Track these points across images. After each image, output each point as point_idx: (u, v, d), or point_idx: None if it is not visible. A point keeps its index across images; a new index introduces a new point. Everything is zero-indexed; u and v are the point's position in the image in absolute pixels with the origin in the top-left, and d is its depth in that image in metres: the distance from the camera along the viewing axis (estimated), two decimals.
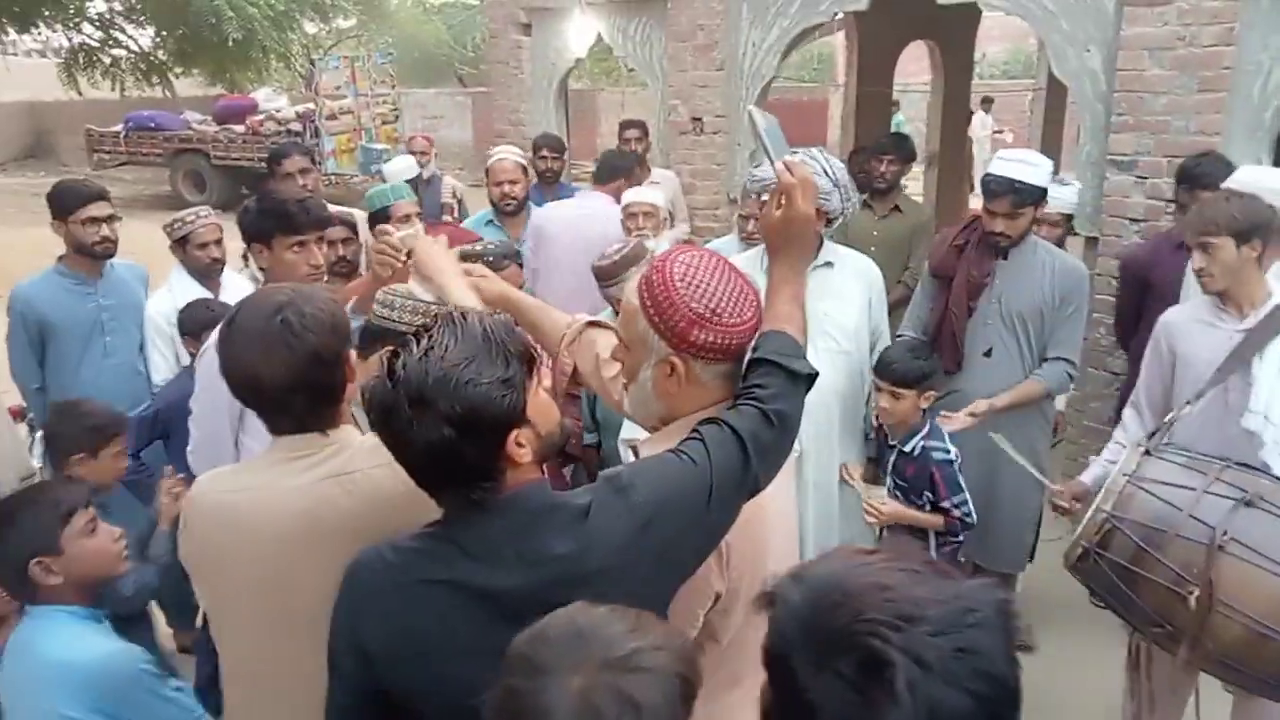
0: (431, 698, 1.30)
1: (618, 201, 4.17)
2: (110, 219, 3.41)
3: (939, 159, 9.20)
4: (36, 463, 3.46)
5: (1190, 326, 2.69)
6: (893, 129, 9.43)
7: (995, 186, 3.01)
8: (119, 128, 15.51)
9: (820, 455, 2.86)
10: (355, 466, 1.48)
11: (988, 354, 3.17)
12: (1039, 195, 3.04)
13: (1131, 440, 2.81)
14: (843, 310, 2.84)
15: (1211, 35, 3.85)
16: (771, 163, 1.63)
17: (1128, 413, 2.90)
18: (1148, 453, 2.36)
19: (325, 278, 2.61)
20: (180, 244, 3.56)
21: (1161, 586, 2.16)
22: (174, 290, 3.56)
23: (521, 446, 1.27)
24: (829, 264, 2.86)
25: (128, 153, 15.47)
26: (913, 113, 15.04)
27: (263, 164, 15.53)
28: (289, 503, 1.48)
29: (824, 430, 2.84)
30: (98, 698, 1.79)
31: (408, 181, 4.35)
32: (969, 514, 2.86)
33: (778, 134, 1.70)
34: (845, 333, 2.84)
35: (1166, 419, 2.51)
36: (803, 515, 2.82)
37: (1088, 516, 2.32)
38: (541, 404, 1.34)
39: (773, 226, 1.60)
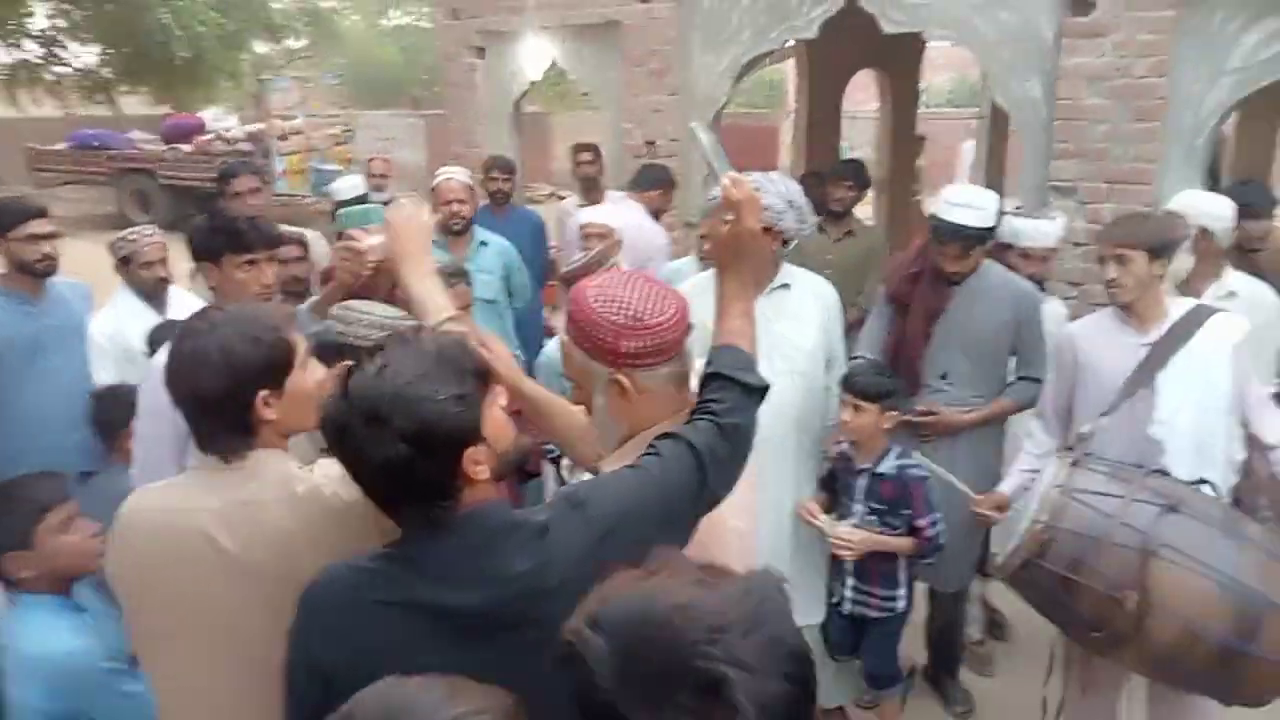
0: None
1: (653, 211, 4.43)
2: (51, 236, 3.33)
3: (888, 184, 9.40)
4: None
5: (1095, 338, 2.80)
6: (842, 155, 9.61)
7: (943, 233, 3.05)
8: (62, 145, 15.21)
9: (777, 475, 2.88)
10: (257, 497, 1.46)
11: (943, 377, 3.21)
12: (987, 235, 3.09)
13: (1041, 449, 2.95)
14: (799, 331, 2.87)
15: (1145, 66, 4.01)
16: (717, 178, 1.66)
17: (1034, 423, 3.01)
18: (1074, 463, 2.44)
19: (277, 297, 2.60)
20: (125, 263, 3.50)
21: (1098, 592, 2.24)
22: (118, 309, 3.50)
23: (478, 464, 1.27)
24: (786, 285, 2.89)
25: (71, 171, 15.16)
26: (861, 139, 15.33)
27: (211, 184, 15.31)
28: (204, 527, 1.46)
29: (779, 451, 2.87)
30: (60, 691, 1.85)
31: (355, 200, 4.33)
32: (942, 533, 2.88)
33: (719, 150, 1.74)
34: (802, 354, 2.87)
35: (1085, 429, 2.61)
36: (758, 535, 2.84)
37: (1024, 527, 2.38)
38: (497, 421, 1.33)
39: (721, 242, 1.64)
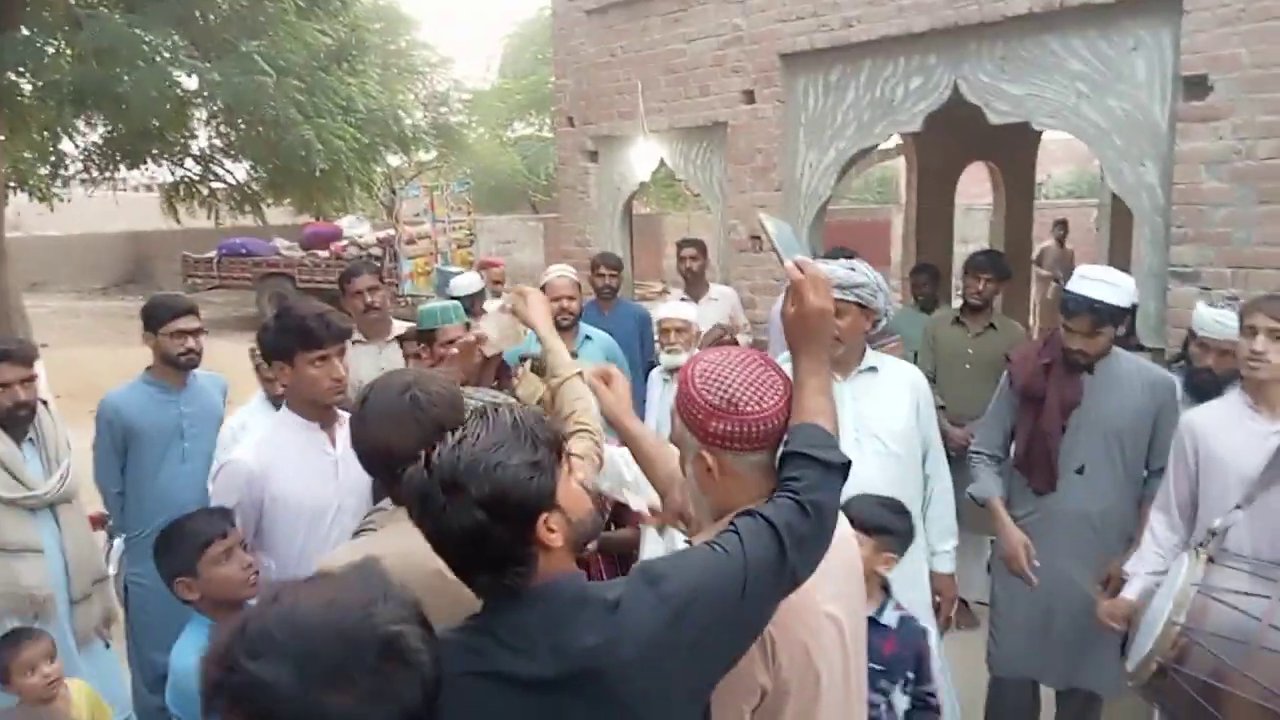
0: None
1: None
2: (197, 332, 3.60)
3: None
4: (112, 568, 3.59)
5: (1218, 426, 2.66)
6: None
7: (1073, 305, 2.97)
8: (212, 253, 16.46)
9: None
10: None
11: (1079, 471, 3.07)
12: (1119, 315, 2.98)
13: (1164, 546, 2.76)
14: (889, 413, 2.82)
15: (1268, 148, 3.87)
16: (781, 263, 1.68)
17: (1155, 516, 2.82)
18: (1210, 560, 2.29)
19: (346, 392, 2.64)
20: (258, 370, 3.58)
21: (1249, 703, 2.06)
22: (252, 408, 3.62)
23: (552, 531, 1.31)
24: (873, 369, 2.86)
25: (219, 277, 16.37)
26: (975, 232, 15.12)
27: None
28: (433, 561, 1.51)
29: None
30: (176, 700, 2.13)
31: (471, 296, 4.51)
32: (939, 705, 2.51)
33: (789, 237, 1.78)
34: (893, 435, 2.81)
35: (1217, 524, 2.44)
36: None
37: (1159, 630, 2.23)
38: (572, 492, 1.37)
39: (790, 325, 1.64)
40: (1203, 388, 3.11)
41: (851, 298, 2.68)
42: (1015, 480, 3.23)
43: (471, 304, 4.87)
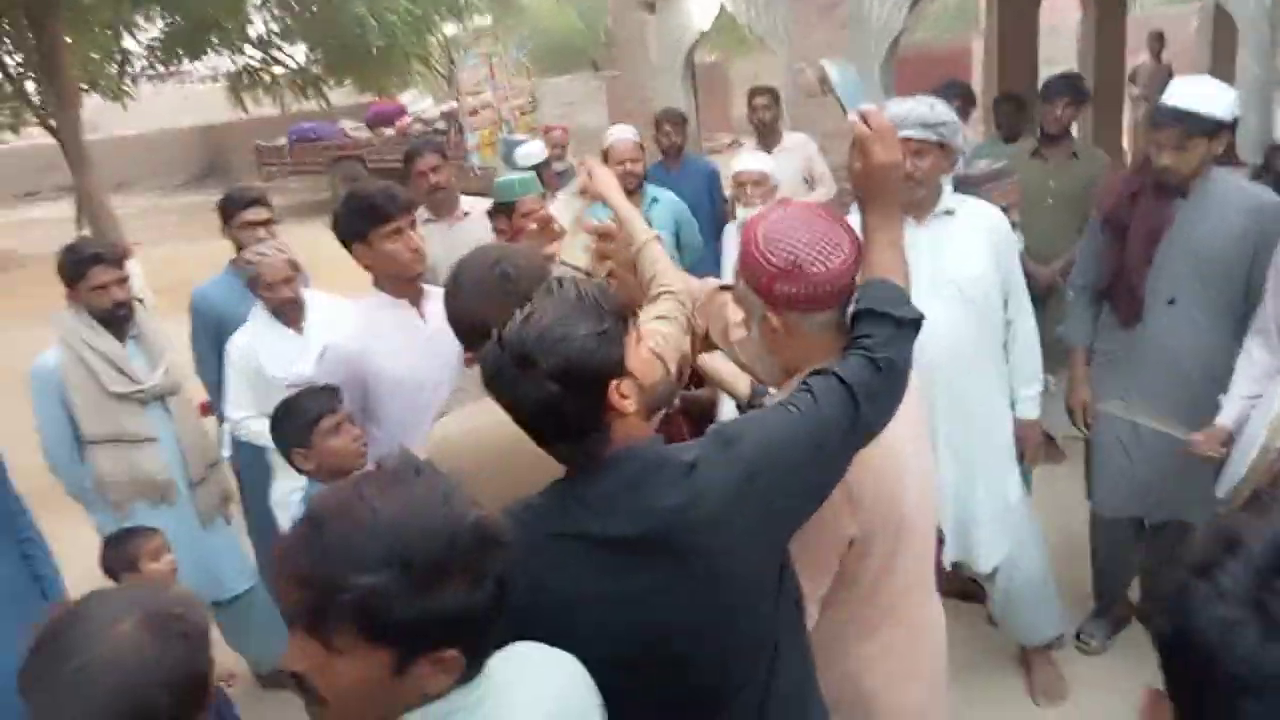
0: (563, 643, 1.37)
1: None
2: (268, 223, 3.65)
3: (1094, 98, 8.68)
4: (225, 451, 3.81)
5: None
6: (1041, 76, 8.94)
7: (1160, 116, 2.80)
8: (283, 141, 16.59)
9: (951, 411, 2.75)
10: None
11: (1171, 303, 2.93)
12: (1212, 126, 2.79)
13: (1261, 369, 2.66)
14: (967, 258, 2.71)
15: None
16: (845, 113, 1.62)
17: (1251, 340, 2.72)
18: None
19: (426, 265, 2.69)
20: (252, 284, 3.26)
21: None
22: (255, 326, 3.32)
23: (625, 397, 1.34)
24: (949, 212, 2.73)
25: (293, 164, 16.54)
26: (1063, 54, 14.17)
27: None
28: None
29: (954, 387, 2.74)
30: None
31: (535, 167, 4.47)
32: None
33: (854, 84, 1.69)
34: (970, 281, 2.70)
35: None
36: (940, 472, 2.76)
37: (1254, 456, 2.19)
38: (642, 359, 1.40)
39: (857, 179, 1.61)
40: None
41: (934, 137, 2.56)
42: (1106, 311, 3.13)
43: (539, 173, 4.82)
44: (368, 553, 1.01)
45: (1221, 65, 9.80)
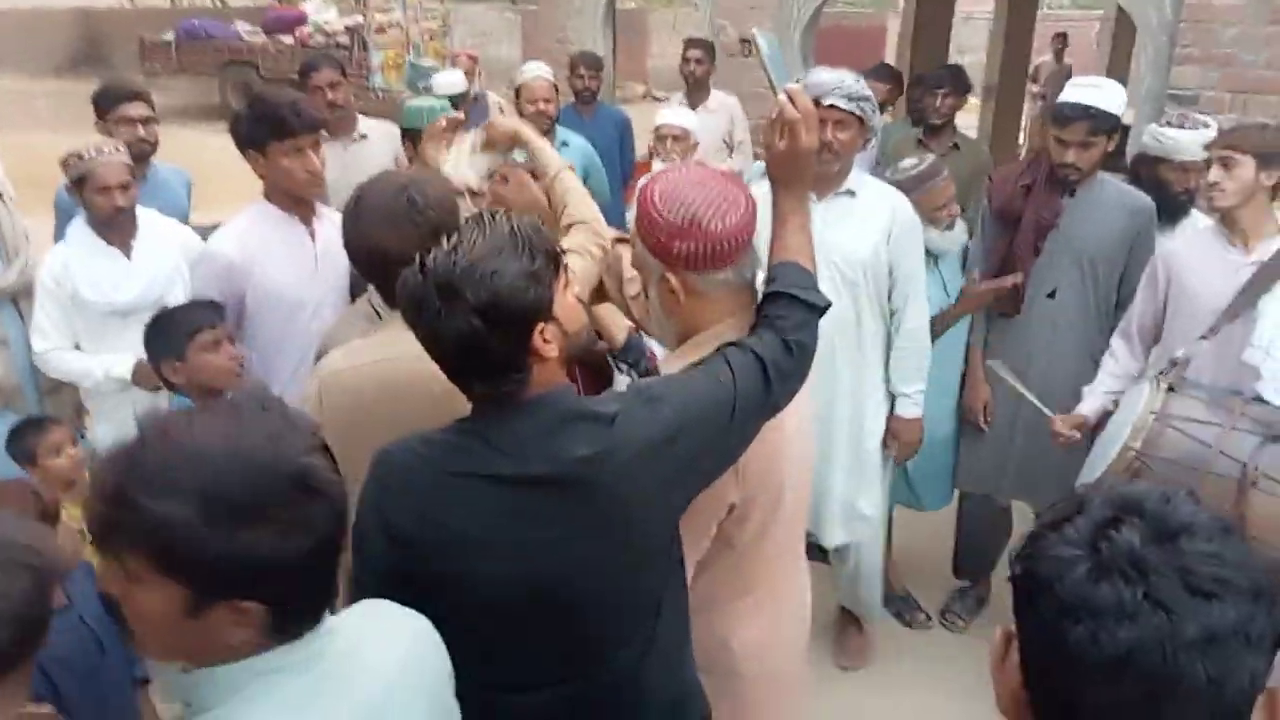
0: (457, 584, 1.36)
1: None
2: (148, 120, 3.41)
3: (996, 92, 8.93)
4: (38, 346, 3.56)
5: (1193, 256, 2.65)
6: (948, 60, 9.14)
7: (1069, 112, 2.86)
8: (170, 36, 15.53)
9: (821, 389, 2.68)
10: None
11: (1051, 295, 3.06)
12: (1113, 124, 2.90)
13: (1123, 369, 2.83)
14: (856, 239, 2.71)
15: None
16: (774, 91, 1.61)
17: (1116, 341, 2.87)
18: (1170, 389, 2.34)
19: (323, 186, 2.60)
20: (78, 185, 2.83)
21: None
22: (70, 245, 2.92)
23: (548, 342, 1.32)
24: (850, 193, 2.73)
25: (179, 62, 15.51)
26: (973, 42, 14.56)
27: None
28: (424, 369, 1.52)
29: (828, 365, 2.73)
30: None
31: (453, 98, 4.31)
32: None
33: (780, 59, 1.67)
34: (851, 263, 2.70)
35: (1181, 353, 2.48)
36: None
37: (1114, 453, 2.31)
38: (568, 304, 1.38)
39: (776, 159, 1.61)
40: (1166, 208, 3.08)
41: (857, 110, 2.55)
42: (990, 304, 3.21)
43: (456, 105, 4.64)
44: (172, 480, 0.94)
45: (1117, 73, 10.24)
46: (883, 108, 4.51)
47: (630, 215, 4.17)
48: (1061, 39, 11.52)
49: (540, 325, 1.30)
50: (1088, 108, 2.83)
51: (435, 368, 1.53)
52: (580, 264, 1.90)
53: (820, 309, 1.56)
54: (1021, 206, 3.05)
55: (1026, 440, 3.12)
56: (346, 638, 1.11)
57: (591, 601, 1.39)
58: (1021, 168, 3.21)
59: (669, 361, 1.63)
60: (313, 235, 2.57)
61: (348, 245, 1.71)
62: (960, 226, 3.19)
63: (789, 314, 1.51)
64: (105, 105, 3.36)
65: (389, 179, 1.75)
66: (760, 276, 1.62)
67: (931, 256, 3.12)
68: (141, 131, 3.37)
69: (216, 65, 15.05)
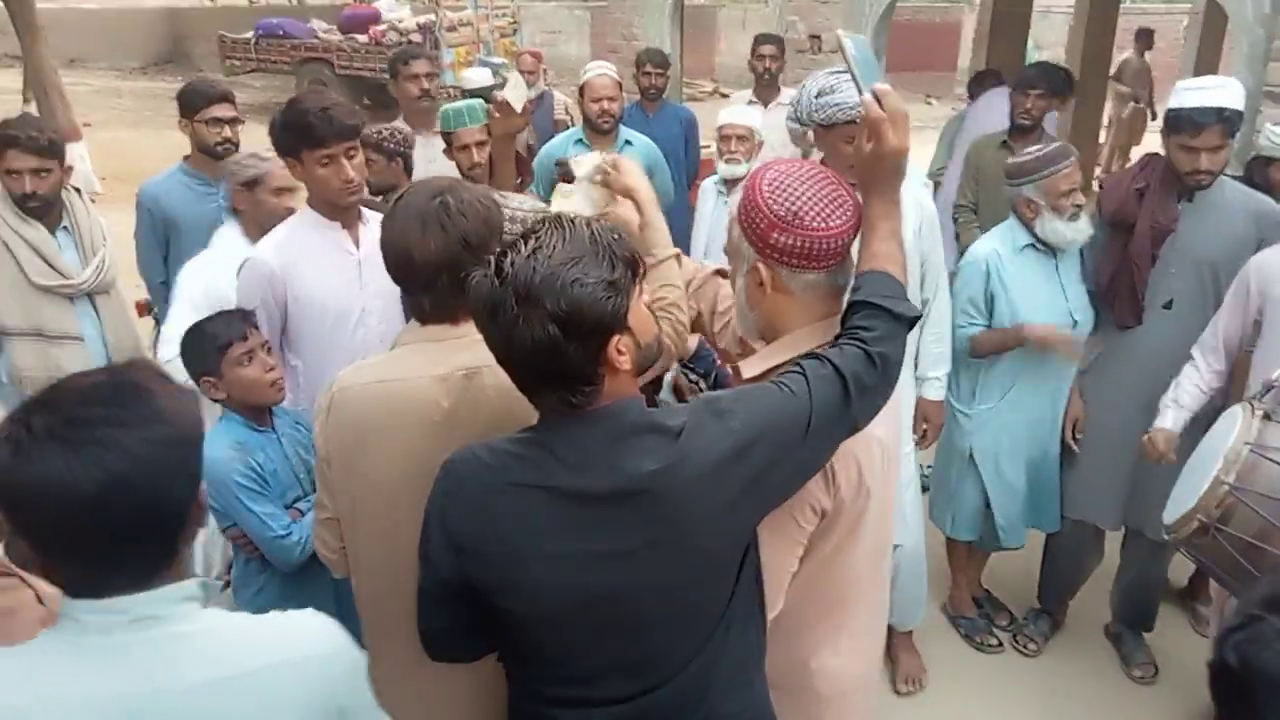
0: (517, 595, 1.35)
1: None
2: (233, 121, 3.49)
3: (1078, 90, 8.64)
4: (164, 355, 3.66)
5: None
6: (1029, 56, 8.89)
7: (1200, 118, 2.68)
8: (250, 35, 15.92)
9: None
10: (485, 361, 1.50)
11: (1168, 305, 2.90)
12: (1239, 123, 2.76)
13: (1203, 383, 2.69)
14: None
15: None
16: (860, 92, 1.55)
17: (1197, 353, 2.74)
18: (1267, 415, 2.19)
19: (363, 193, 2.52)
20: (248, 187, 2.88)
21: None
22: (220, 256, 2.89)
23: (622, 354, 1.29)
24: None
25: (258, 60, 15.88)
26: (1052, 38, 14.12)
27: (383, 73, 15.67)
28: (428, 393, 1.57)
29: None
30: (215, 492, 2.19)
31: (482, 90, 4.30)
32: None
33: (868, 59, 1.60)
34: None
35: (1276, 377, 2.33)
36: None
37: (1205, 488, 2.17)
38: (642, 314, 1.35)
39: (864, 162, 1.54)
40: None
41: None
42: (1101, 314, 3.05)
43: (487, 98, 4.64)
44: None
45: (1205, 71, 9.83)
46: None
47: (699, 210, 4.13)
48: (1146, 36, 11.09)
49: (616, 337, 1.27)
50: (1220, 110, 2.68)
51: (438, 393, 1.55)
52: (672, 296, 1.82)
53: (910, 320, 1.47)
54: (1135, 212, 2.89)
55: (1139, 467, 2.96)
56: (194, 627, 1.09)
57: (653, 617, 1.36)
58: (1134, 171, 3.05)
59: (750, 362, 1.59)
60: (356, 242, 2.53)
61: (381, 244, 1.67)
62: (1086, 219, 2.98)
63: (874, 325, 1.43)
64: (193, 105, 3.42)
65: (435, 181, 1.72)
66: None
67: (1051, 251, 2.98)
68: (228, 132, 3.44)
69: (293, 63, 15.37)
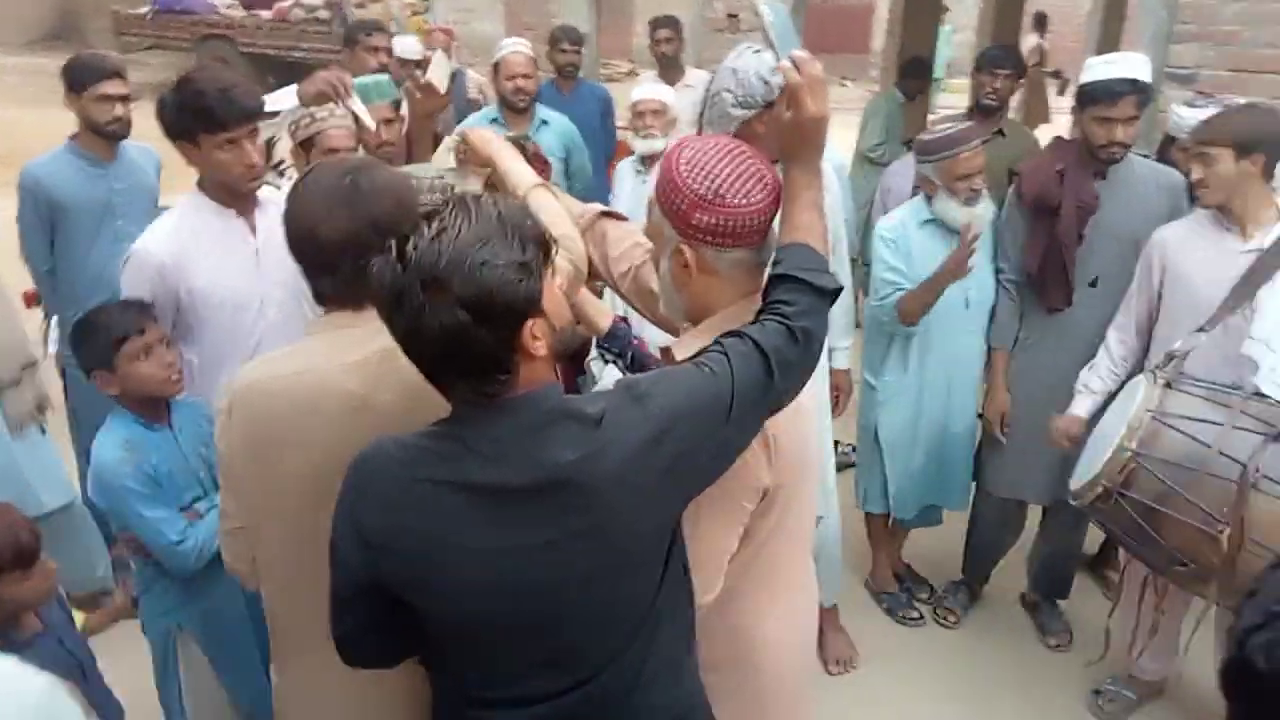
0: (435, 596, 1.29)
1: None
2: (125, 98, 3.30)
3: None
4: (52, 347, 3.44)
5: (1188, 244, 2.58)
6: (941, 38, 9.03)
7: (1119, 87, 2.72)
8: (146, 9, 15.22)
9: None
10: (391, 345, 1.42)
11: (1093, 284, 2.94)
12: (1151, 95, 2.82)
13: (1117, 364, 2.76)
14: None
15: None
16: (778, 59, 1.52)
17: (1111, 334, 2.80)
18: (1168, 384, 2.26)
19: (263, 178, 2.39)
20: (305, 148, 2.74)
21: (1190, 526, 2.09)
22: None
23: (537, 339, 1.22)
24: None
25: (154, 36, 15.21)
26: (964, 20, 14.41)
27: (290, 52, 15.16)
28: (342, 382, 1.48)
29: None
30: (96, 490, 2.17)
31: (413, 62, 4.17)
32: None
33: (786, 27, 1.57)
34: None
35: (1178, 346, 2.40)
36: None
37: (1109, 454, 2.23)
38: (556, 297, 1.28)
39: (784, 131, 1.51)
40: (1191, 193, 2.98)
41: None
42: (1027, 298, 3.08)
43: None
44: None
45: (1108, 52, 10.14)
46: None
47: (617, 192, 4.08)
48: (1042, 20, 11.37)
49: (530, 321, 1.21)
50: (1134, 80, 2.73)
51: (351, 381, 1.47)
52: (564, 266, 1.79)
53: (832, 293, 1.44)
54: (1058, 194, 2.91)
55: (1044, 443, 2.99)
56: None
57: (578, 610, 1.31)
58: (1049, 154, 3.07)
59: (680, 345, 1.55)
60: (253, 228, 2.39)
61: (284, 223, 1.57)
62: (986, 203, 3.01)
63: (795, 299, 1.40)
64: (81, 81, 3.22)
65: (344, 161, 1.62)
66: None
67: (952, 234, 2.96)
68: (119, 110, 3.25)
69: (193, 39, 14.76)
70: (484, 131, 2.08)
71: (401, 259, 1.17)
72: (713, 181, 1.44)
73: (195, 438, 2.28)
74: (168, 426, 2.27)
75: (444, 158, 2.16)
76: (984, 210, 3.00)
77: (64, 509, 3.07)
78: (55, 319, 3.47)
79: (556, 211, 1.92)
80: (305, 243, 1.52)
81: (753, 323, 1.40)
